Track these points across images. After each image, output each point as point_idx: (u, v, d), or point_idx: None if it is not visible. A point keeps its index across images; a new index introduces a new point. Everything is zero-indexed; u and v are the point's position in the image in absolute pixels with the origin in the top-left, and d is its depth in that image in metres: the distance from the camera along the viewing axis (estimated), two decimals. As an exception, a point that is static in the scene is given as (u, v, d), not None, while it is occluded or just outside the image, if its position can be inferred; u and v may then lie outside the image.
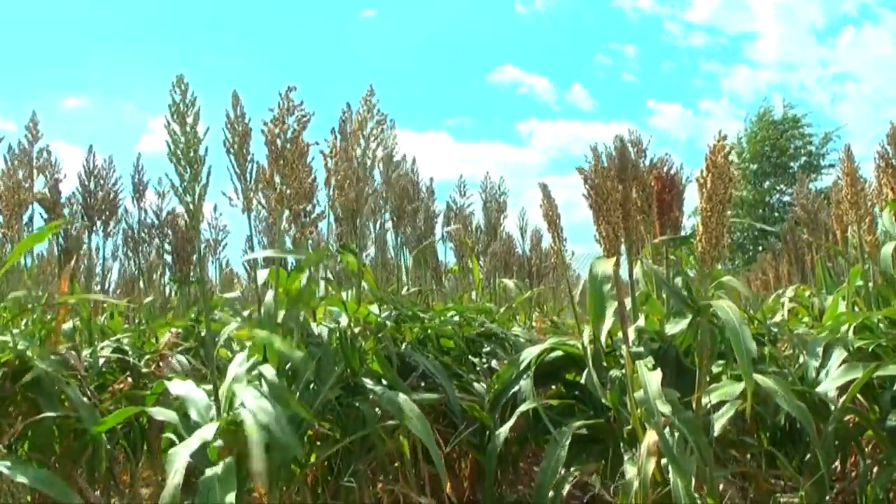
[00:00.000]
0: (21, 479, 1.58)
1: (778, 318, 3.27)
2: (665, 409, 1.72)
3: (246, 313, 2.22)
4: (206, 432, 1.58)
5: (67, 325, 2.41)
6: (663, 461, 1.71)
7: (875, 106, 28.43)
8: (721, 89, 34.20)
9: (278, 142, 1.95)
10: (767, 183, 21.03)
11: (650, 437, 1.69)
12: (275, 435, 1.53)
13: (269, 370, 1.72)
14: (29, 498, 1.89)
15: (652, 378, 1.78)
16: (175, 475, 1.47)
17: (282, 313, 1.95)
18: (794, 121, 21.39)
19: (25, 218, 2.69)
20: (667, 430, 1.75)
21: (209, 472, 1.53)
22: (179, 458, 1.51)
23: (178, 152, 1.70)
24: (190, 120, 1.71)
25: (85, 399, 1.97)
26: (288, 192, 1.95)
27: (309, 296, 2.01)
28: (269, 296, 1.99)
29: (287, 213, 2.01)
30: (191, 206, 1.74)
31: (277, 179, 1.96)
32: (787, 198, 19.71)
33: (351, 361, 2.03)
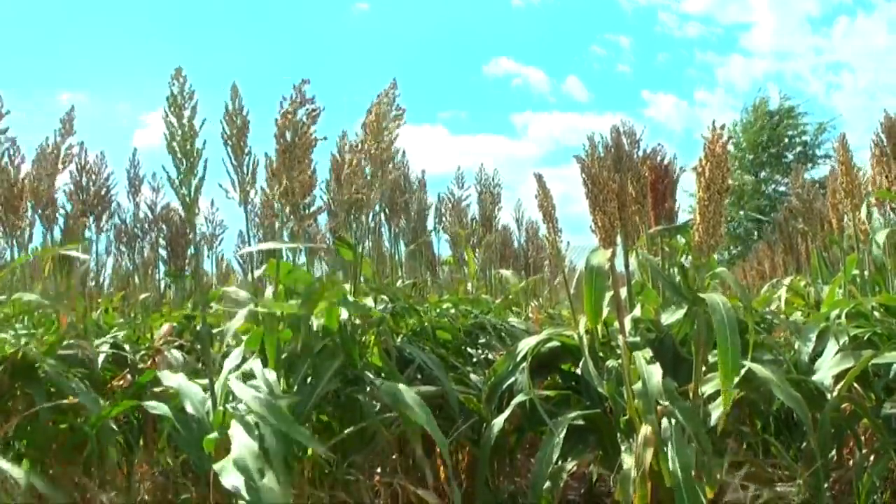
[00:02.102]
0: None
1: (774, 307, 3.27)
2: (665, 403, 1.72)
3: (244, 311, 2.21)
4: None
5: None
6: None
7: (870, 95, 28.44)
8: (716, 80, 34.21)
9: (288, 134, 1.94)
10: (763, 173, 21.04)
11: (647, 429, 1.69)
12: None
13: (269, 373, 1.72)
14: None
15: (653, 372, 1.78)
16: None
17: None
18: (789, 110, 21.37)
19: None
20: (664, 419, 1.75)
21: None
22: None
23: (175, 144, 1.69)
24: (187, 112, 1.70)
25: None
26: (295, 186, 1.94)
27: (322, 295, 1.98)
28: (269, 291, 1.99)
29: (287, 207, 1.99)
30: (186, 199, 1.73)
31: (283, 173, 1.94)
32: (782, 188, 19.72)
33: (351, 354, 2.02)
